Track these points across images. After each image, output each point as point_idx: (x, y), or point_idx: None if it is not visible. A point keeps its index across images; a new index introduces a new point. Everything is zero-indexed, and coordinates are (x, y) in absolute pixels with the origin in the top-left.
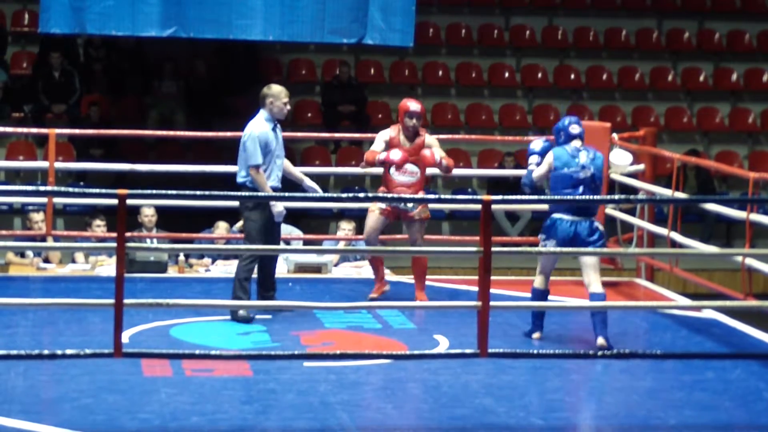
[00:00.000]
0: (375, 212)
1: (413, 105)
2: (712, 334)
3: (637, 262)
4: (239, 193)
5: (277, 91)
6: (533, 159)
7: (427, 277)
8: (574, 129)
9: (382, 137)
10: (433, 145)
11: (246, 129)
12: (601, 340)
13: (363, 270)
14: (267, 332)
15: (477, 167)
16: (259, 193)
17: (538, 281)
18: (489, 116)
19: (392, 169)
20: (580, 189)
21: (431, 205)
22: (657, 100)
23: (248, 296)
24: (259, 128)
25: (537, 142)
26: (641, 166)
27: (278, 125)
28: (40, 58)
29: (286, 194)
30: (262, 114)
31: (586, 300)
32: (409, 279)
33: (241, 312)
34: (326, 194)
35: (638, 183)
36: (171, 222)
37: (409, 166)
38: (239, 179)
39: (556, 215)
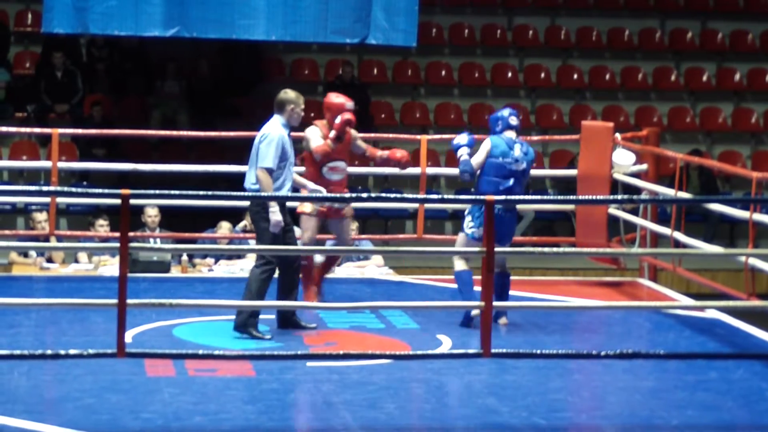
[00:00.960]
0: (310, 214)
1: (349, 103)
2: (715, 334)
3: (640, 262)
4: (242, 193)
5: (296, 96)
6: (463, 151)
7: (430, 277)
8: (513, 120)
9: (315, 133)
10: (357, 138)
11: (263, 131)
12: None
13: (366, 270)
14: (269, 332)
15: None
16: (263, 194)
17: (461, 265)
18: None
19: (324, 169)
20: (511, 181)
21: (435, 205)
22: (660, 100)
23: (256, 317)
24: (277, 132)
25: (462, 137)
26: (644, 166)
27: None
28: (43, 58)
29: (289, 194)
30: (279, 119)
31: (590, 300)
32: (412, 279)
33: (253, 331)
34: (329, 194)
35: (641, 183)
36: (174, 222)
37: (340, 164)
38: (248, 185)
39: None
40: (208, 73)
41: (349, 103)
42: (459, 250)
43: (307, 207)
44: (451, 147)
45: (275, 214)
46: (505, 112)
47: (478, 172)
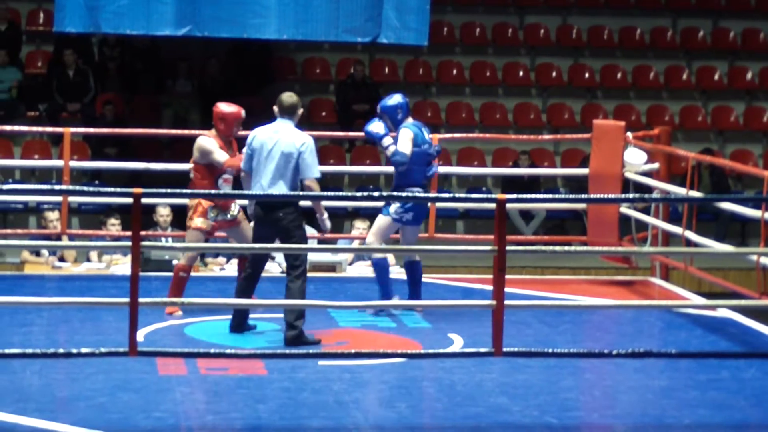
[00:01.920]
0: (203, 230)
1: (242, 111)
2: (727, 333)
3: (651, 261)
4: (255, 193)
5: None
6: (387, 141)
7: (442, 275)
8: (408, 106)
9: (215, 145)
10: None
11: (295, 139)
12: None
13: None
14: (281, 331)
15: (491, 166)
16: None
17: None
18: (503, 115)
19: (219, 180)
20: (434, 167)
21: (446, 204)
22: (671, 99)
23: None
24: (311, 139)
25: (378, 125)
26: (656, 165)
27: None
28: (55, 57)
29: (301, 193)
30: (291, 123)
31: (601, 299)
32: (423, 278)
33: (306, 335)
34: (341, 193)
35: (653, 182)
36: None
37: (229, 175)
38: (282, 192)
39: (414, 189)
40: (220, 72)
41: (243, 111)
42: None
43: (201, 222)
44: (370, 135)
45: (328, 220)
46: (399, 98)
47: None
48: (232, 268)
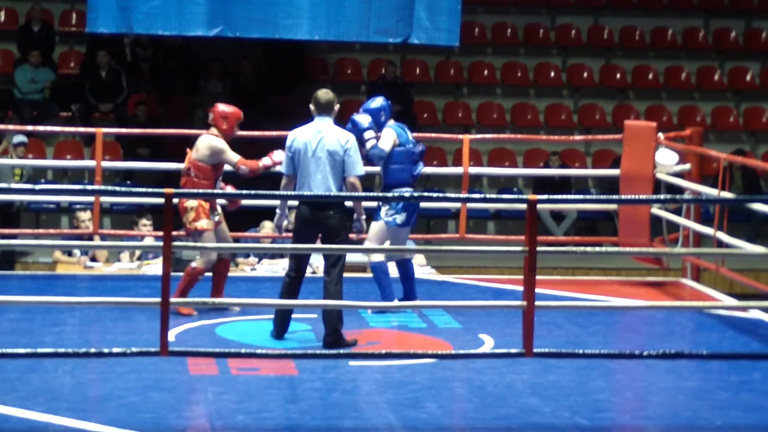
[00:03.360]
0: (210, 230)
1: (241, 113)
2: (759, 335)
3: (683, 262)
4: (287, 193)
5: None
6: (370, 134)
7: (473, 276)
8: (390, 109)
9: (225, 144)
10: None
11: (339, 137)
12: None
13: None
14: (312, 331)
15: (522, 167)
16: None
17: (378, 256)
18: (534, 116)
19: (219, 183)
20: (420, 165)
21: (477, 205)
22: (703, 100)
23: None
24: (353, 136)
25: (364, 117)
26: (687, 166)
27: None
28: (88, 58)
29: (330, 194)
30: (330, 121)
31: (632, 300)
32: (454, 278)
33: (346, 341)
34: (371, 193)
35: (684, 183)
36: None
37: (242, 171)
38: (331, 192)
39: (402, 189)
40: (252, 72)
41: (241, 113)
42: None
43: (208, 224)
44: (353, 123)
45: (364, 222)
46: (382, 101)
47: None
48: (263, 269)
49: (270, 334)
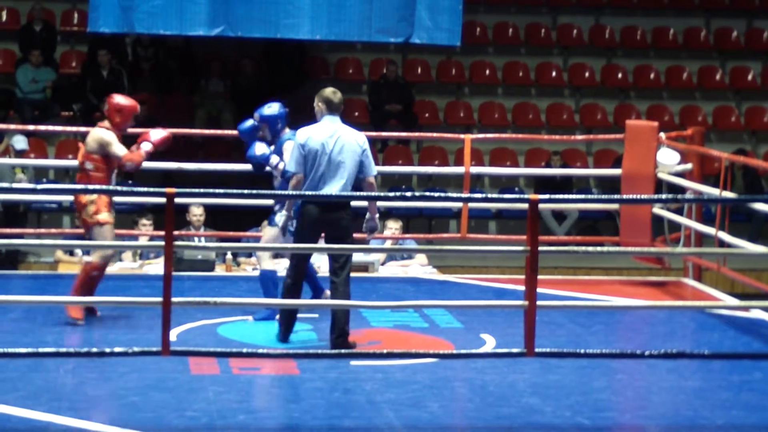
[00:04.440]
0: (111, 223)
1: (138, 106)
2: (760, 335)
3: (684, 262)
4: (288, 192)
5: None
6: (275, 159)
7: (474, 276)
8: (286, 116)
9: (115, 138)
10: None
11: (356, 137)
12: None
13: (410, 269)
14: (314, 331)
15: (524, 166)
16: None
17: (269, 264)
18: (536, 115)
19: (112, 175)
20: None
21: (479, 204)
22: (705, 100)
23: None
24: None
25: (260, 147)
26: (689, 166)
27: None
28: (89, 58)
29: (333, 193)
30: (340, 120)
31: (634, 300)
32: (455, 278)
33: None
34: (373, 193)
35: (686, 182)
36: (219, 221)
37: (128, 167)
38: (343, 192)
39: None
40: (253, 72)
41: (138, 107)
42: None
43: (109, 216)
44: (255, 159)
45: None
46: (279, 108)
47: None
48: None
49: (276, 337)
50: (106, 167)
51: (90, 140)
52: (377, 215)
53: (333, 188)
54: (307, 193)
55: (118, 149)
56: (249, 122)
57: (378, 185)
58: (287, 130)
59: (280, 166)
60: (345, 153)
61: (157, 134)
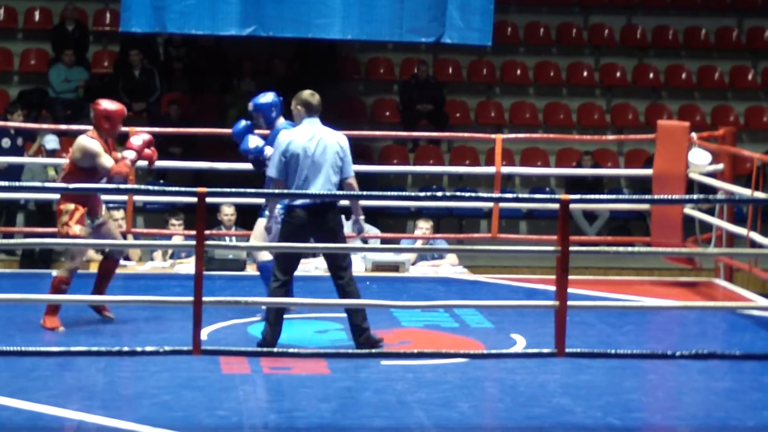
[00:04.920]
0: (81, 236)
1: (125, 109)
2: None
3: (715, 262)
4: (323, 193)
5: None
6: (269, 151)
7: (505, 276)
8: (281, 105)
9: (99, 147)
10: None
11: (338, 138)
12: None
13: (441, 269)
14: (344, 330)
15: (555, 166)
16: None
17: (266, 255)
18: (567, 115)
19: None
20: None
21: (509, 204)
22: (737, 100)
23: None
24: None
25: (254, 140)
26: (720, 166)
27: None
28: (121, 57)
29: (365, 192)
30: (320, 122)
31: (664, 300)
32: (486, 278)
33: (372, 334)
34: (404, 193)
35: (717, 183)
36: (250, 220)
37: (115, 180)
38: (330, 191)
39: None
40: (285, 71)
41: (125, 109)
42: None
43: (80, 230)
44: (249, 153)
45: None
46: (273, 96)
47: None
48: (302, 267)
49: (261, 338)
50: (88, 179)
51: (75, 150)
52: (362, 216)
53: (318, 190)
54: (340, 193)
55: (106, 161)
56: (242, 123)
57: (409, 185)
58: (282, 120)
59: (272, 158)
60: (327, 155)
61: (137, 139)
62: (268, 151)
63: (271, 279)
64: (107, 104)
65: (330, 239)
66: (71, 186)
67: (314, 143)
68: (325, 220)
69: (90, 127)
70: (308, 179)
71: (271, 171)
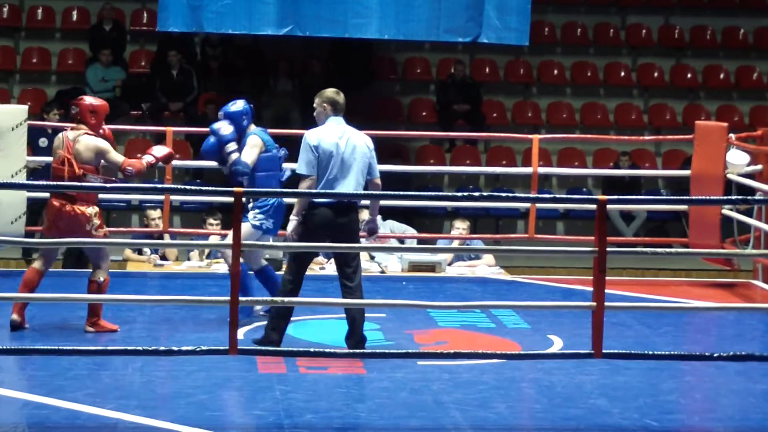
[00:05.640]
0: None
1: (107, 105)
2: None
3: (754, 264)
4: (356, 192)
5: None
6: (232, 146)
7: (541, 276)
8: (252, 112)
9: (107, 143)
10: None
11: (365, 139)
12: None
13: (477, 269)
14: (380, 330)
15: (592, 167)
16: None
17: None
18: (604, 115)
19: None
20: (287, 171)
21: (546, 205)
22: None
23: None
24: None
25: (226, 126)
26: (758, 167)
27: None
28: (159, 57)
29: (402, 192)
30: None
31: (702, 301)
32: (523, 278)
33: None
34: (441, 193)
35: (755, 183)
36: (286, 220)
37: (128, 172)
38: (357, 191)
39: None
40: (321, 71)
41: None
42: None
43: (105, 229)
44: (214, 133)
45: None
46: (243, 104)
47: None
48: (331, 268)
49: (260, 339)
50: (104, 177)
51: (83, 150)
52: (378, 216)
53: (348, 190)
54: (378, 193)
55: (116, 155)
56: (212, 139)
57: (445, 185)
58: (252, 127)
59: (233, 156)
60: (356, 154)
61: (160, 150)
62: (231, 146)
63: (284, 281)
64: (91, 99)
65: (348, 239)
66: (110, 185)
67: (344, 142)
68: (350, 220)
69: (69, 125)
70: (337, 178)
71: (302, 168)
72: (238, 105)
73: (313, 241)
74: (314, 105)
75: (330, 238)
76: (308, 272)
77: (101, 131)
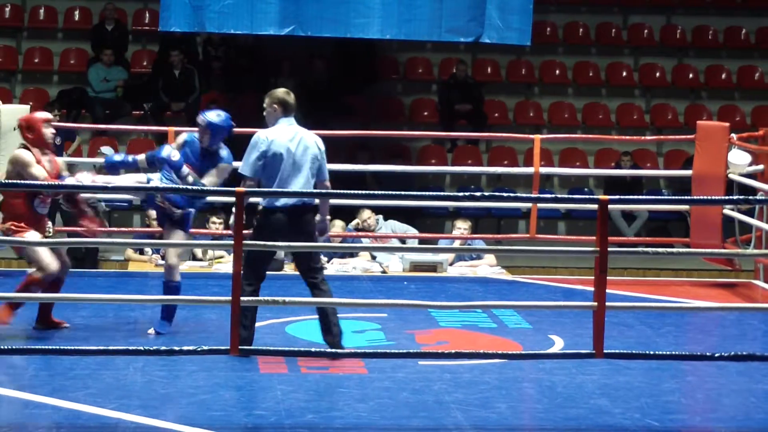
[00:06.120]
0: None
1: (44, 113)
2: None
3: (755, 263)
4: (355, 191)
5: None
6: (186, 170)
7: (543, 276)
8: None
9: (32, 157)
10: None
11: (316, 140)
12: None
13: (479, 269)
14: (382, 330)
15: (593, 167)
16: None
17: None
18: (606, 115)
19: (36, 201)
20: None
21: (547, 205)
22: None
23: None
24: None
25: (174, 152)
26: (760, 167)
27: None
28: (161, 57)
29: (402, 192)
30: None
31: (703, 301)
32: (524, 278)
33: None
34: (442, 193)
35: (757, 183)
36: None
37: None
38: (306, 194)
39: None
40: (323, 71)
41: (46, 114)
42: (569, 250)
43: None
44: (166, 160)
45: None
46: (227, 119)
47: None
48: (333, 268)
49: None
50: (23, 193)
51: (8, 162)
52: (328, 217)
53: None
54: (381, 192)
55: (37, 171)
56: (118, 157)
57: (447, 185)
58: (222, 146)
59: (190, 179)
60: (307, 155)
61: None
62: (185, 170)
63: (243, 284)
64: (28, 114)
65: (307, 240)
66: (112, 185)
67: (296, 143)
68: (305, 221)
69: (70, 125)
70: (289, 179)
71: (245, 170)
72: (221, 117)
73: (274, 241)
74: (264, 105)
75: (288, 241)
76: None
77: (47, 142)
